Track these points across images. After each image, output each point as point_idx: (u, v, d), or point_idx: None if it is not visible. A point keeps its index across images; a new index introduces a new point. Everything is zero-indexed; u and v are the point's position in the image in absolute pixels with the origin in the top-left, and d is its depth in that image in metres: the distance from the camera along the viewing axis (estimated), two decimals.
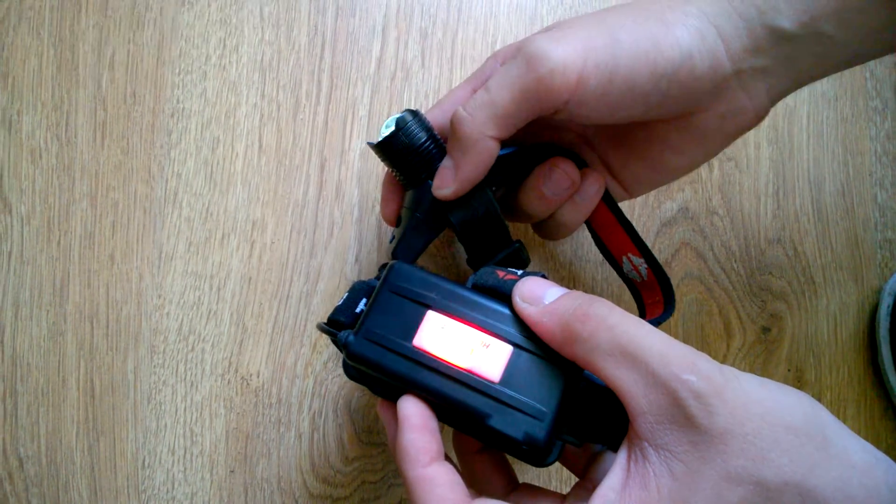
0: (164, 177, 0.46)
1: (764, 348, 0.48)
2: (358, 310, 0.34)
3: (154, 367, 0.44)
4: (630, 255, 0.41)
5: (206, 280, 0.45)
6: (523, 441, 0.29)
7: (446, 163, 0.35)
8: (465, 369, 0.30)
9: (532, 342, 0.30)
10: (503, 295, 0.32)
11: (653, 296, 0.41)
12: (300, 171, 0.47)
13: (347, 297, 0.34)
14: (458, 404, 0.30)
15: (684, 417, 0.25)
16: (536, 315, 0.30)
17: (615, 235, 0.41)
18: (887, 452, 0.48)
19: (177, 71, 0.47)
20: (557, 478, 0.46)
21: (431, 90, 0.48)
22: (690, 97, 0.34)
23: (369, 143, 0.37)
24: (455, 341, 0.31)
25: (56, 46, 0.46)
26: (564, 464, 0.36)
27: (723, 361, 0.47)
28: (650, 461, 0.26)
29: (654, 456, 0.26)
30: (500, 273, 0.33)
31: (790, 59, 0.33)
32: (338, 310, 0.34)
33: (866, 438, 0.47)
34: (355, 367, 0.32)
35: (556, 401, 0.30)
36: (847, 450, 0.26)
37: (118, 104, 0.46)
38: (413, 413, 0.29)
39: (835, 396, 0.49)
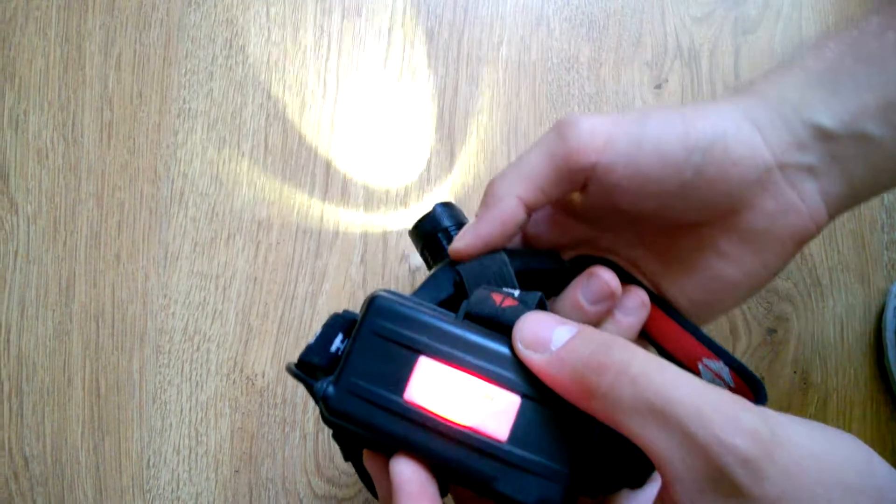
0: (170, 177, 0.46)
1: (770, 350, 0.48)
2: (334, 348, 0.29)
3: (159, 366, 0.44)
4: (706, 360, 0.36)
5: (212, 280, 0.45)
6: None
7: (469, 223, 0.34)
8: (467, 427, 0.26)
9: (542, 391, 0.27)
10: (502, 326, 0.28)
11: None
12: (306, 171, 0.47)
13: (321, 333, 0.30)
14: (461, 468, 0.26)
15: (730, 486, 0.22)
16: (544, 365, 0.26)
17: (682, 342, 0.36)
18: (893, 454, 0.48)
19: (183, 71, 0.47)
20: None
21: (437, 91, 0.48)
22: (731, 184, 0.31)
23: (409, 231, 0.39)
24: (454, 394, 0.27)
25: (63, 46, 0.47)
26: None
27: None
28: None
29: None
30: (497, 298, 0.29)
31: (838, 160, 0.31)
32: (310, 349, 0.29)
33: (872, 442, 0.48)
34: (334, 421, 0.28)
35: (571, 456, 0.26)
36: None
37: (125, 104, 0.46)
38: (410, 479, 0.26)
39: (841, 399, 0.49)
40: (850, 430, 0.48)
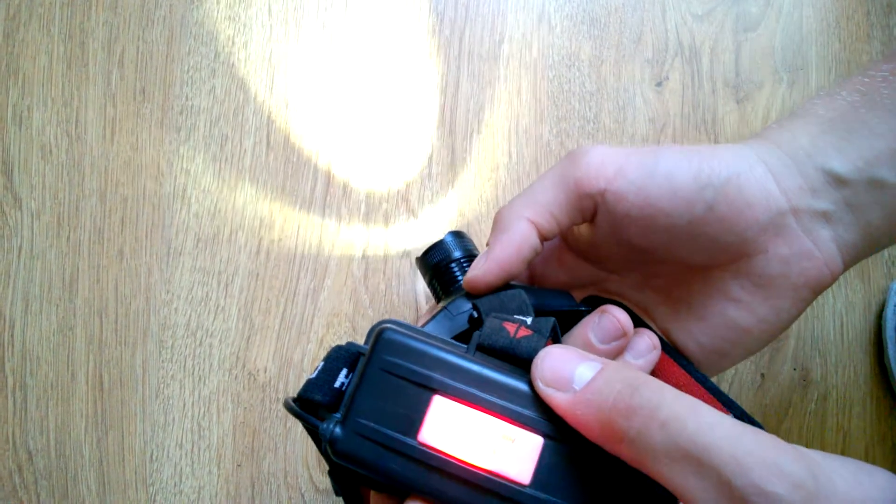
0: (172, 173, 0.46)
1: (770, 347, 0.48)
2: (338, 384, 0.28)
3: (162, 361, 0.44)
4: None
5: (214, 276, 0.45)
6: None
7: (482, 252, 0.33)
8: (487, 471, 0.25)
9: (565, 431, 0.25)
10: (518, 359, 0.27)
11: None
12: (308, 168, 0.47)
13: (324, 367, 0.28)
14: None
15: None
16: (568, 406, 0.25)
17: (690, 391, 0.33)
18: (894, 452, 0.48)
19: (186, 68, 0.47)
20: None
21: (439, 88, 0.48)
22: (743, 226, 0.31)
23: (416, 258, 0.38)
24: (472, 436, 0.25)
25: (66, 43, 0.47)
26: None
27: None
28: None
29: None
30: (510, 328, 0.28)
31: (853, 207, 0.31)
32: (311, 384, 0.28)
33: (873, 438, 0.48)
34: (342, 464, 0.26)
35: (596, 498, 0.25)
36: None
37: (128, 101, 0.46)
38: None
39: (840, 395, 0.49)
40: (849, 427, 0.48)
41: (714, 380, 0.47)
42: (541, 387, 0.26)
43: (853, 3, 0.53)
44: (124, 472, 0.44)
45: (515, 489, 0.24)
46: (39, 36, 0.47)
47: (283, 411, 0.44)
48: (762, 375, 0.48)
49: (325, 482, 0.44)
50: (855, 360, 0.49)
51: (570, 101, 0.49)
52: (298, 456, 0.44)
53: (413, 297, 0.46)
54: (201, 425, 0.44)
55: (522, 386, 0.26)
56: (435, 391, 0.25)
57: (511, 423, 0.25)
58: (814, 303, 0.49)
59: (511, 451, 0.25)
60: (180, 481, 0.44)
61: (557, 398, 0.25)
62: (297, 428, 0.44)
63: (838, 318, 0.50)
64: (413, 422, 0.25)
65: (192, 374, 0.45)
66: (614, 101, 0.49)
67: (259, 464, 0.44)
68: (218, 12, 0.48)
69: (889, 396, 0.49)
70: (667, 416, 0.22)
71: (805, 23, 0.52)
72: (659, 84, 0.50)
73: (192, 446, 0.44)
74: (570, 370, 0.25)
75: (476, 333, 0.28)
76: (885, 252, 0.50)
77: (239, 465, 0.44)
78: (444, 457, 0.25)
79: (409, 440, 0.25)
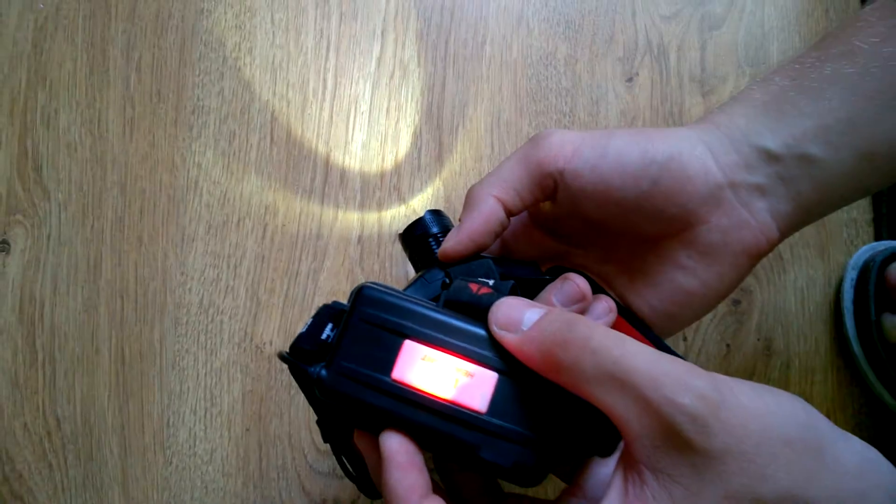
0: (186, 167, 0.51)
1: (735, 319, 0.52)
2: (324, 336, 0.32)
3: (178, 336, 0.49)
4: None
5: (224, 259, 0.50)
6: (514, 469, 0.28)
7: (455, 227, 0.36)
8: (450, 402, 0.29)
9: (515, 367, 0.29)
10: (479, 311, 0.31)
11: None
12: (308, 160, 0.51)
13: (312, 322, 0.32)
14: (445, 438, 0.29)
15: (681, 441, 0.25)
16: (516, 343, 0.29)
17: None
18: (854, 417, 0.52)
19: (197, 72, 0.52)
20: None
21: (427, 86, 0.53)
22: (686, 198, 0.34)
23: (398, 234, 0.41)
24: (437, 372, 0.29)
25: (89, 51, 0.52)
26: (551, 471, 0.36)
27: (696, 333, 0.51)
28: (648, 485, 0.25)
29: (653, 480, 0.25)
30: (474, 287, 0.32)
31: (784, 181, 0.34)
32: (301, 337, 0.32)
33: (833, 405, 0.52)
34: (328, 401, 0.30)
35: (543, 424, 0.29)
36: (840, 455, 0.26)
37: (145, 102, 0.51)
38: (397, 450, 0.29)
39: (802, 365, 0.53)
40: (811, 394, 0.52)
41: (682, 350, 0.51)
42: (495, 329, 0.30)
43: (813, 2, 0.57)
44: (144, 437, 0.48)
45: (474, 416, 0.28)
46: (64, 45, 0.52)
47: (288, 380, 0.49)
48: (727, 346, 0.52)
49: (324, 445, 0.48)
50: (816, 332, 0.53)
51: (547, 96, 0.54)
52: (301, 421, 0.48)
53: (404, 277, 0.50)
54: (213, 394, 0.49)
55: (480, 331, 0.30)
56: (406, 336, 0.29)
57: (470, 361, 0.29)
58: (776, 279, 0.53)
59: (470, 385, 0.29)
60: (194, 444, 0.48)
61: (509, 338, 0.29)
62: (300, 396, 0.49)
63: (800, 293, 0.53)
64: (387, 362, 0.29)
65: (205, 347, 0.49)
66: (588, 97, 0.54)
67: (266, 428, 0.48)
68: (225, 21, 0.52)
69: (848, 365, 0.52)
70: (596, 346, 0.26)
71: (767, 21, 0.56)
72: (629, 80, 0.54)
73: (205, 413, 0.48)
74: (520, 314, 0.29)
75: (444, 291, 0.32)
76: (844, 231, 0.54)
77: (247, 430, 0.48)
78: (413, 390, 0.29)
79: (384, 377, 0.29)
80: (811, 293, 0.53)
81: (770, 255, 0.52)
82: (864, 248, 0.54)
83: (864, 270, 0.51)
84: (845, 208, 0.54)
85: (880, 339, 0.49)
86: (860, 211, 0.54)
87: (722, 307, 0.52)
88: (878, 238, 0.54)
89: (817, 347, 0.53)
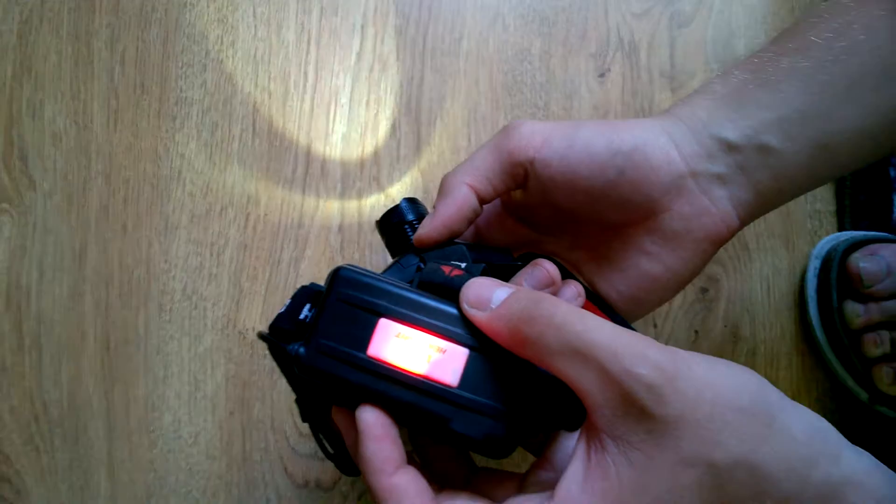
0: (169, 157, 0.52)
1: (703, 307, 0.54)
2: (302, 316, 0.33)
3: (162, 322, 0.50)
4: None
5: (207, 247, 0.51)
6: (484, 441, 0.30)
7: (429, 214, 0.38)
8: (422, 376, 0.30)
9: (485, 343, 0.30)
10: (451, 291, 0.32)
11: None
12: (289, 151, 0.53)
13: (290, 303, 0.33)
14: (419, 411, 0.30)
15: (638, 409, 0.26)
16: (485, 321, 0.30)
17: None
18: (819, 401, 0.54)
19: (180, 64, 0.53)
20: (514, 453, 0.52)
21: (405, 80, 0.54)
22: (650, 186, 0.35)
23: (376, 221, 0.42)
24: (410, 349, 0.30)
25: (73, 43, 0.53)
26: (521, 445, 0.37)
27: (665, 320, 0.53)
28: (609, 451, 0.27)
29: (613, 446, 0.27)
30: (447, 269, 0.33)
31: (743, 170, 0.36)
32: (280, 317, 0.33)
33: (798, 389, 0.54)
34: (306, 378, 0.31)
35: (512, 398, 0.30)
36: (789, 423, 0.27)
37: (129, 94, 0.52)
38: (373, 423, 0.30)
39: (768, 351, 0.54)
40: (777, 379, 0.54)
41: (652, 335, 0.53)
42: (466, 307, 0.31)
43: (778, 1, 0.59)
44: (129, 421, 0.49)
45: (446, 390, 0.30)
46: (49, 37, 0.53)
47: (271, 365, 0.50)
48: (696, 332, 0.54)
49: (305, 427, 0.50)
50: (781, 319, 0.55)
51: (522, 91, 0.55)
52: (283, 404, 0.50)
53: (383, 264, 0.51)
54: (197, 378, 0.50)
55: (452, 310, 0.31)
56: (381, 315, 0.31)
57: (442, 338, 0.31)
58: (742, 268, 0.55)
59: (442, 361, 0.30)
60: (179, 427, 0.49)
61: (479, 315, 0.31)
62: (283, 381, 0.50)
63: (765, 281, 0.55)
64: (363, 340, 0.31)
65: (189, 333, 0.50)
66: (562, 91, 0.55)
67: (249, 411, 0.50)
68: (208, 15, 0.54)
69: (812, 352, 0.54)
70: (560, 322, 0.28)
71: (734, 19, 0.58)
72: (602, 75, 0.56)
73: (189, 397, 0.50)
74: (489, 293, 0.31)
75: (418, 273, 0.34)
76: (808, 222, 0.56)
77: (231, 413, 0.50)
78: (387, 366, 0.30)
79: (360, 354, 0.30)
80: (776, 282, 0.55)
81: (737, 244, 0.55)
82: (827, 238, 0.55)
83: (827, 260, 0.53)
84: (810, 200, 0.56)
85: (842, 325, 0.51)
86: (824, 203, 0.56)
87: (690, 295, 0.54)
88: (840, 229, 0.56)
89: (782, 334, 0.55)
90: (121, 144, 0.52)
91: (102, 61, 0.53)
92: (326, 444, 0.38)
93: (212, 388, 0.50)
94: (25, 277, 0.50)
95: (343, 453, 0.37)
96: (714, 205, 0.36)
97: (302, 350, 0.31)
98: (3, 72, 0.52)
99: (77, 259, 0.51)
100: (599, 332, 0.27)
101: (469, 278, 0.32)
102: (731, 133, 0.35)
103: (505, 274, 0.37)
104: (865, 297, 0.50)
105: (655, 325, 0.54)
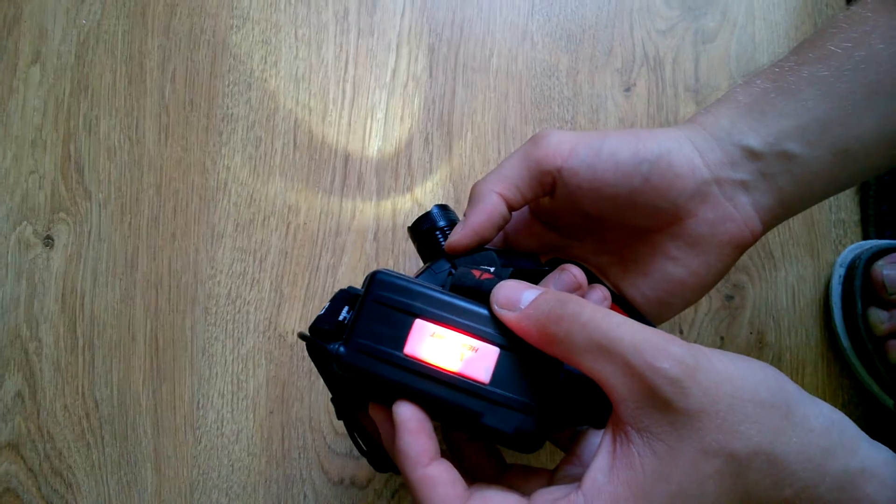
0: (216, 170, 0.55)
1: (728, 314, 0.55)
2: (341, 317, 0.34)
3: (208, 325, 0.53)
4: None
5: (251, 254, 0.54)
6: (515, 435, 0.31)
7: (460, 221, 0.39)
8: (456, 373, 0.31)
9: (515, 342, 0.32)
10: (482, 294, 0.33)
11: None
12: (328, 164, 0.55)
13: (330, 306, 0.35)
14: (452, 406, 0.31)
15: (662, 401, 0.27)
16: (515, 321, 0.31)
17: None
18: (844, 407, 0.54)
19: (226, 83, 0.56)
20: (543, 452, 0.53)
21: (438, 95, 0.57)
22: (675, 193, 0.36)
23: (408, 227, 0.43)
24: (445, 348, 0.32)
25: (127, 63, 0.56)
26: (550, 441, 0.39)
27: (691, 326, 0.54)
28: (634, 443, 0.28)
29: (637, 438, 0.28)
30: (477, 273, 0.35)
31: (766, 177, 0.37)
32: (320, 318, 0.34)
33: (824, 395, 0.55)
34: (346, 376, 0.33)
35: (541, 394, 0.31)
36: (807, 416, 0.28)
37: (178, 110, 0.56)
38: (409, 417, 0.31)
39: (794, 357, 0.55)
40: (802, 384, 0.54)
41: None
42: (496, 308, 0.32)
43: (801, 16, 0.60)
44: (175, 418, 0.52)
45: (478, 386, 0.31)
46: (105, 57, 0.56)
47: (309, 366, 0.52)
48: (721, 338, 0.55)
49: (342, 427, 0.51)
50: (806, 325, 0.55)
51: (550, 105, 0.57)
52: (321, 404, 0.52)
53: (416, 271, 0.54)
54: (240, 379, 0.52)
55: (483, 311, 0.33)
56: (416, 316, 0.32)
57: (474, 337, 0.32)
58: (767, 276, 0.56)
59: (474, 359, 0.32)
60: (222, 425, 0.52)
61: (508, 316, 0.32)
62: (320, 382, 0.52)
63: (790, 289, 0.56)
64: (400, 339, 0.32)
65: (233, 336, 0.53)
66: (588, 105, 0.57)
67: (288, 411, 0.52)
68: (253, 36, 0.57)
69: (838, 358, 0.55)
70: (586, 320, 0.29)
71: (758, 34, 0.59)
72: (627, 90, 0.58)
73: (232, 396, 0.52)
74: (519, 295, 0.32)
75: (449, 277, 0.36)
76: (832, 231, 0.57)
77: (271, 412, 0.52)
78: (423, 363, 0.32)
79: (397, 352, 0.32)
80: (802, 289, 0.56)
81: (762, 253, 0.56)
82: (852, 246, 0.56)
83: (851, 268, 0.53)
84: (834, 210, 0.57)
85: (867, 332, 0.51)
86: (848, 212, 0.57)
87: (716, 302, 0.55)
88: (865, 237, 0.57)
89: (808, 340, 0.55)
90: (171, 158, 0.55)
91: (154, 80, 0.56)
92: (360, 442, 0.39)
93: (253, 387, 0.52)
94: (80, 283, 0.53)
95: (376, 451, 0.39)
96: (738, 210, 0.37)
97: (342, 349, 0.32)
98: (61, 89, 0.56)
99: (129, 265, 0.53)
100: (623, 329, 0.28)
101: (498, 281, 0.34)
102: (754, 141, 0.37)
103: (533, 279, 0.37)
104: (889, 305, 0.50)
105: (682, 332, 0.55)
